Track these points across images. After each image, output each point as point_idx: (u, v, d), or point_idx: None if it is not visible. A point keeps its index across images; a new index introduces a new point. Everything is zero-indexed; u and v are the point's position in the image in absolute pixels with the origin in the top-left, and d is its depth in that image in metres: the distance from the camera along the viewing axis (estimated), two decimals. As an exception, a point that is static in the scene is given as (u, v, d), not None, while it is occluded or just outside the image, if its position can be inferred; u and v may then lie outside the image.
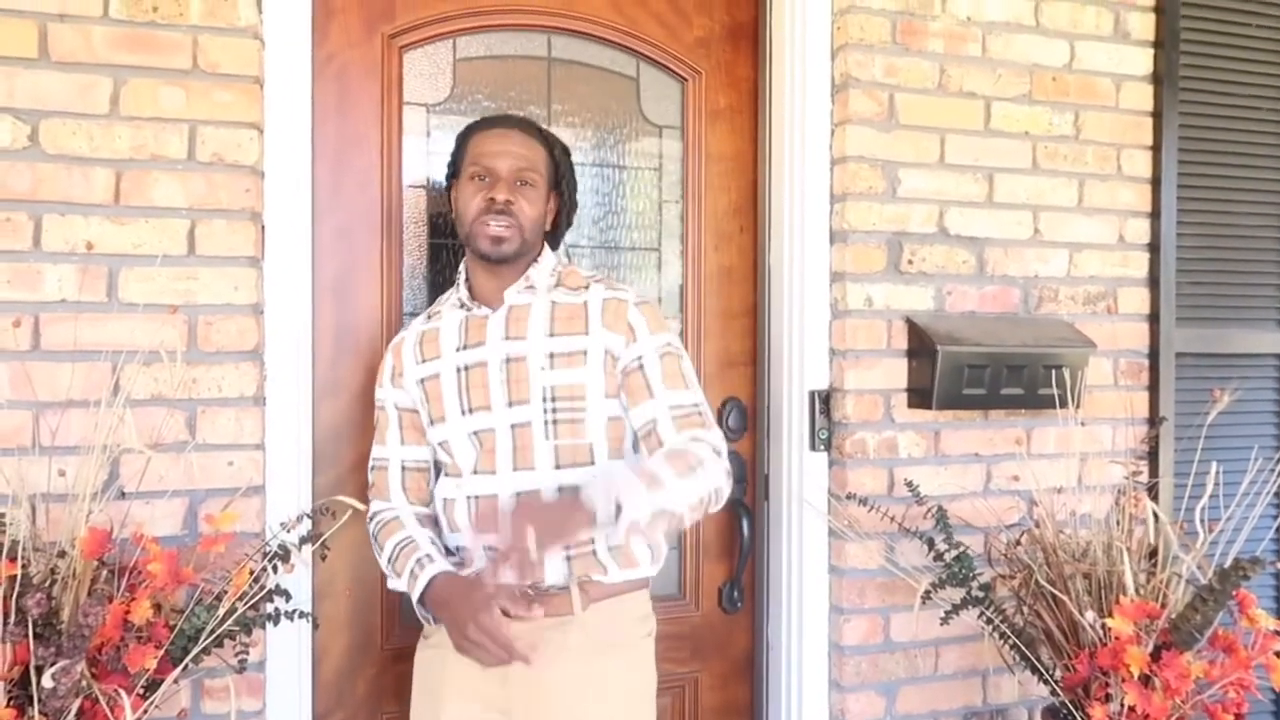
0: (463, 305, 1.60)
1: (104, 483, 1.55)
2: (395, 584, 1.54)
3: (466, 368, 1.55)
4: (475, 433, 1.53)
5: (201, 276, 1.65)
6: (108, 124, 1.61)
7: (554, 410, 1.51)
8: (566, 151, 1.68)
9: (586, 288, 1.59)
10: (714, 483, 1.43)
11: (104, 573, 1.42)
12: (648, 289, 2.11)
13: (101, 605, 1.31)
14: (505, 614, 1.36)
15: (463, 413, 1.54)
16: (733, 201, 2.15)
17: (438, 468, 1.63)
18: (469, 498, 1.52)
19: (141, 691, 1.37)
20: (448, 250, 1.97)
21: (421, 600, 1.49)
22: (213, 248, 1.66)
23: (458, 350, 1.56)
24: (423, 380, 1.58)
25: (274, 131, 1.72)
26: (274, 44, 1.73)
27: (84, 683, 1.30)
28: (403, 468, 1.62)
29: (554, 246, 1.70)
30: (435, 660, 1.53)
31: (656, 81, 2.11)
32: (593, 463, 1.52)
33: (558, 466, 1.50)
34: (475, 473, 1.52)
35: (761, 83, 2.15)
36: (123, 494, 1.60)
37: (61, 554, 1.39)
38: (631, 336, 1.54)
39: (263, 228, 1.71)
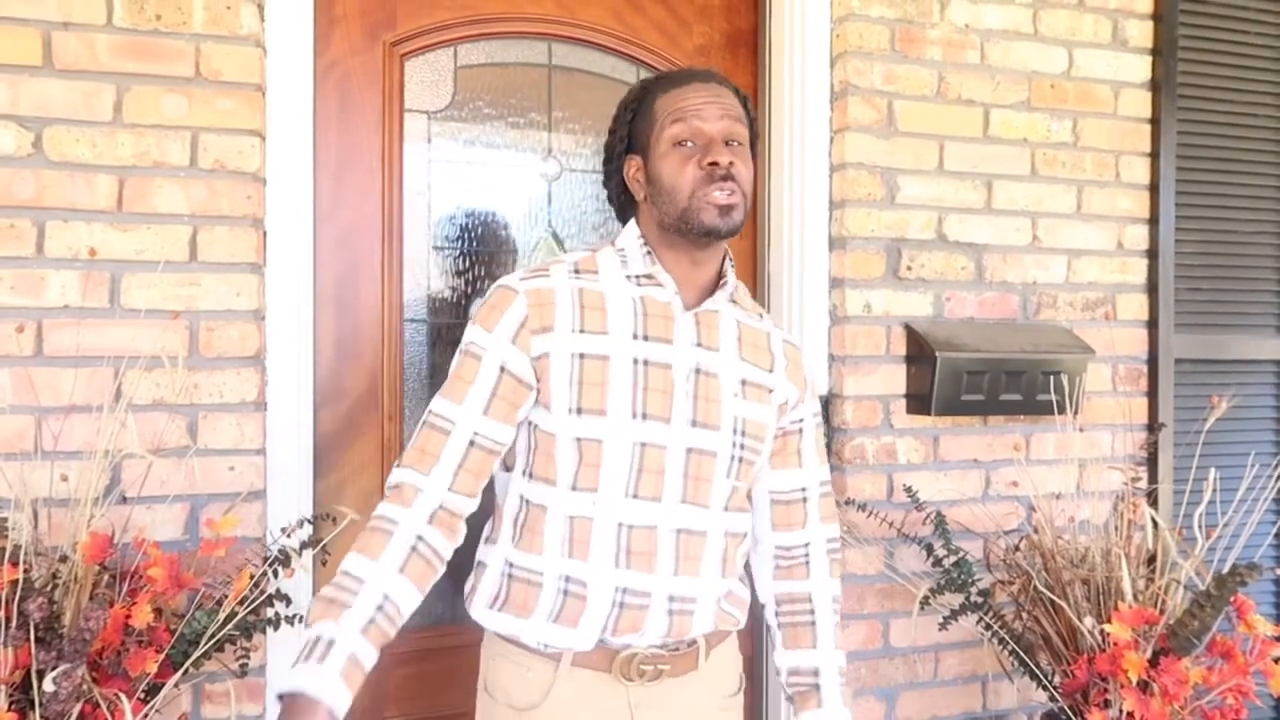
0: (641, 281, 1.31)
1: (106, 487, 1.56)
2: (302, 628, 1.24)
3: (648, 362, 1.27)
4: (644, 445, 1.25)
5: (203, 282, 1.66)
6: (111, 131, 1.63)
7: (741, 446, 1.31)
8: (750, 101, 1.42)
9: (760, 315, 1.42)
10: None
11: (105, 577, 1.43)
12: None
13: (103, 610, 1.31)
14: None
15: (635, 415, 1.25)
16: (732, 208, 2.16)
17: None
18: (622, 526, 1.25)
19: (142, 696, 1.37)
20: (448, 256, 1.98)
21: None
22: (214, 254, 1.67)
23: (635, 338, 1.27)
24: (583, 355, 1.25)
25: (276, 138, 1.73)
26: (276, 52, 1.74)
27: (85, 687, 1.30)
28: (471, 442, 1.24)
29: None
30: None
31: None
32: (747, 511, 1.37)
33: (726, 509, 1.31)
34: (634, 496, 1.25)
35: (761, 90, 2.17)
36: (124, 499, 1.60)
37: (63, 558, 1.39)
38: (802, 395, 1.41)
39: (264, 234, 1.72)
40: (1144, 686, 1.59)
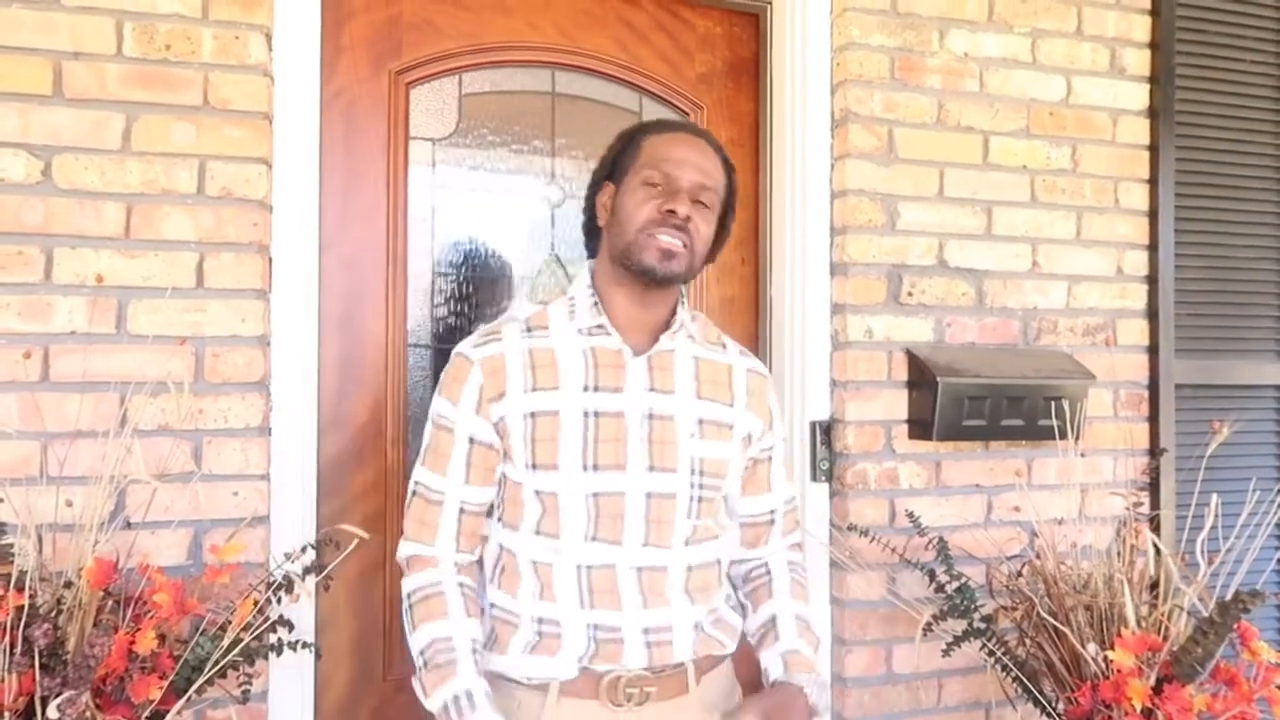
0: (591, 331, 1.36)
1: (110, 513, 1.56)
2: (422, 697, 1.29)
3: (598, 414, 1.32)
4: (596, 495, 1.31)
5: (209, 309, 1.67)
6: (120, 159, 1.64)
7: (701, 485, 1.35)
8: (733, 171, 1.49)
9: (723, 346, 1.46)
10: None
11: (110, 603, 1.43)
12: (650, 320, 2.13)
13: (107, 636, 1.31)
14: None
15: (585, 468, 1.30)
16: (735, 234, 2.15)
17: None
18: (581, 567, 1.31)
19: (145, 723, 1.37)
20: (451, 281, 2.00)
21: None
22: (221, 280, 1.68)
23: (585, 390, 1.32)
24: (534, 415, 1.32)
25: (282, 166, 1.75)
26: (283, 81, 1.76)
27: (89, 714, 1.30)
28: (461, 510, 1.35)
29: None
30: None
31: (659, 116, 2.14)
32: (717, 538, 1.41)
33: (687, 544, 1.35)
34: (593, 539, 1.31)
35: (762, 117, 2.19)
36: (129, 524, 1.61)
37: (68, 584, 1.40)
38: (769, 424, 1.46)
39: (270, 260, 1.74)
40: (1148, 714, 1.58)
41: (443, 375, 1.39)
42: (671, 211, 1.31)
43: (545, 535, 1.33)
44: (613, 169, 1.41)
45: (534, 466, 1.32)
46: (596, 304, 1.37)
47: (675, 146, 1.36)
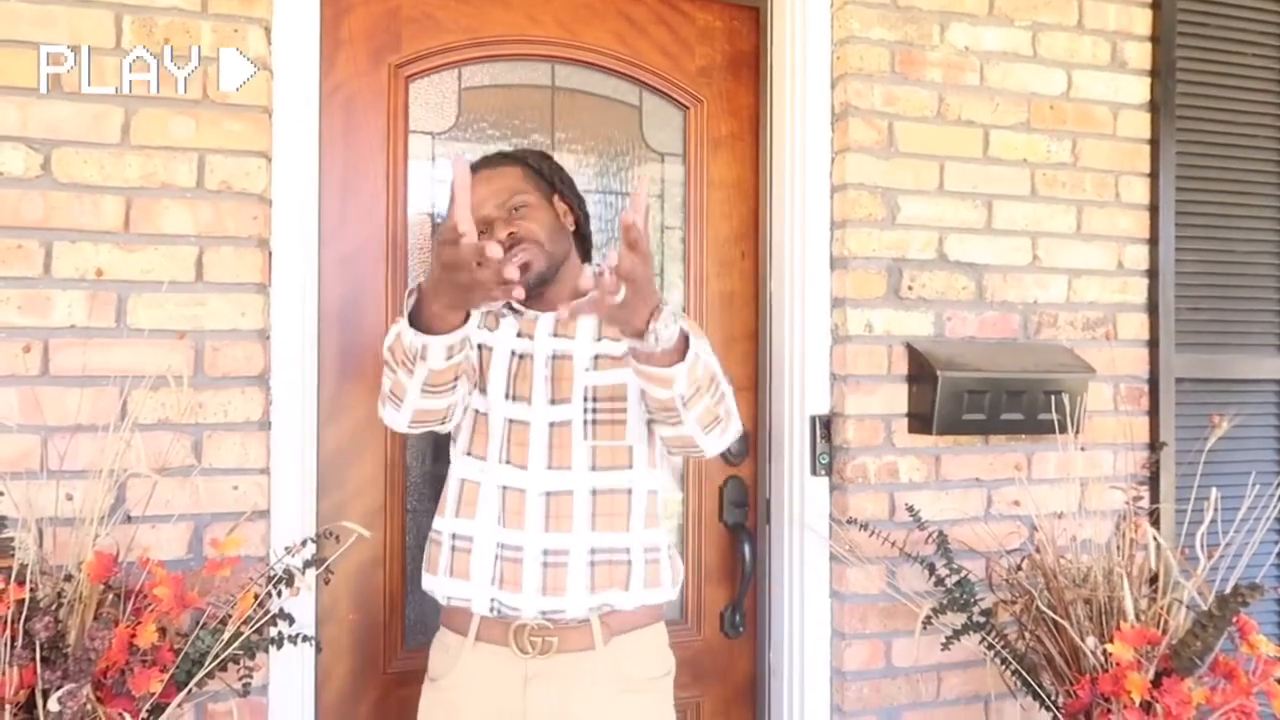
0: (513, 310, 1.58)
1: (111, 507, 1.56)
2: (396, 338, 1.30)
3: (519, 355, 1.53)
4: (510, 420, 1.50)
5: (209, 303, 1.67)
6: (119, 153, 1.64)
7: (594, 410, 1.49)
8: (544, 155, 1.68)
9: None
10: (729, 391, 1.42)
11: (110, 596, 1.43)
12: (650, 314, 2.12)
13: (108, 629, 1.32)
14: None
15: (506, 396, 1.51)
16: (734, 228, 2.17)
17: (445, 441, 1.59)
18: (501, 487, 1.49)
19: (146, 715, 1.37)
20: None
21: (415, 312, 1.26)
22: (220, 274, 1.68)
23: (519, 335, 1.55)
24: (480, 345, 1.55)
25: (281, 160, 1.75)
26: (282, 74, 1.75)
27: (89, 706, 1.31)
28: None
29: (586, 256, 1.70)
30: (443, 706, 1.52)
31: (659, 109, 2.14)
32: (631, 466, 1.51)
33: (594, 468, 1.49)
34: (506, 463, 1.49)
35: (762, 111, 2.18)
36: (129, 518, 1.61)
37: (68, 578, 1.40)
38: None
39: (269, 254, 1.73)
40: (1147, 707, 1.59)
41: None
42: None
43: (474, 458, 1.52)
44: None
45: (480, 389, 1.53)
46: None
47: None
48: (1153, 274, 2.28)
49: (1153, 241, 2.28)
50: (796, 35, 2.09)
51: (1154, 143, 2.28)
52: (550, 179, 1.63)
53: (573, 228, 1.65)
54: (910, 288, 2.07)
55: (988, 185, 2.15)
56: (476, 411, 1.53)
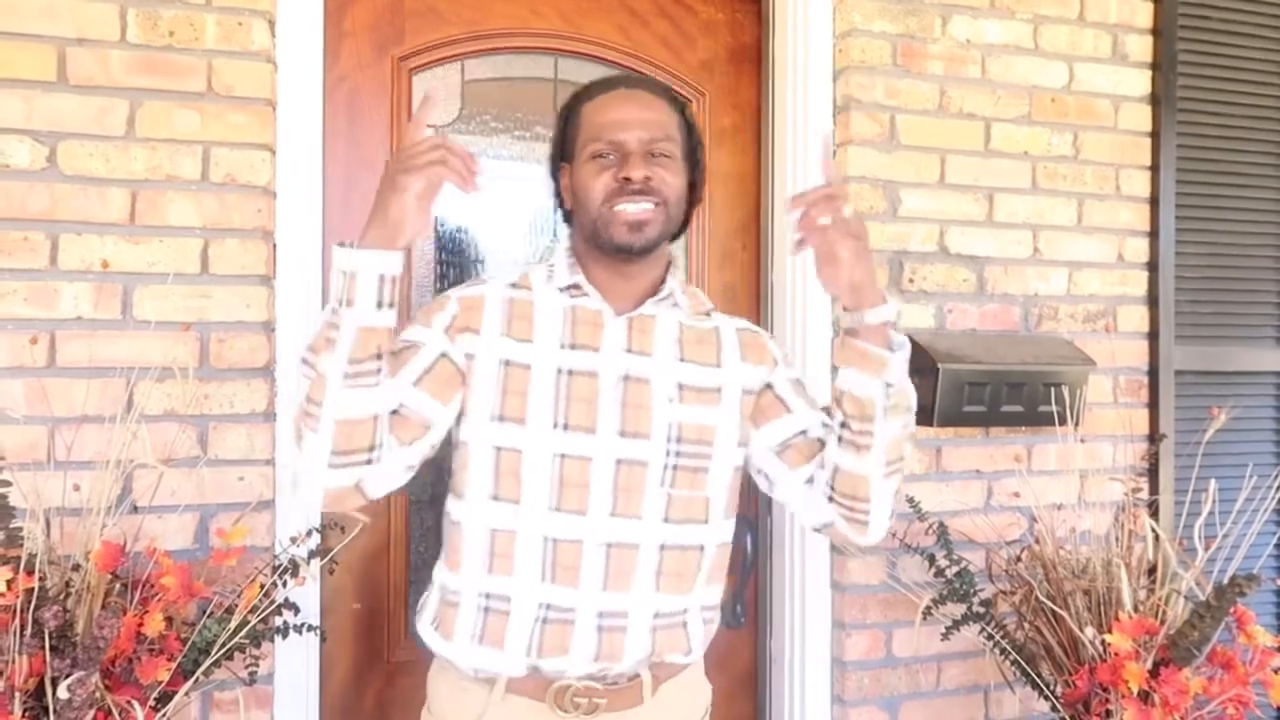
0: (571, 289, 1.29)
1: (118, 497, 1.58)
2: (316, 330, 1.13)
3: (571, 372, 1.24)
4: (564, 456, 1.22)
5: (214, 294, 1.68)
6: (124, 145, 1.65)
7: (678, 454, 1.25)
8: (693, 117, 1.38)
9: (709, 314, 1.36)
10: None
11: (117, 586, 1.44)
12: (652, 307, 2.13)
13: (116, 618, 1.33)
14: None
15: (555, 425, 1.22)
16: (736, 220, 2.18)
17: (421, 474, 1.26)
18: (548, 539, 1.21)
19: (154, 704, 1.39)
20: (455, 269, 2.00)
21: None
22: (225, 266, 1.69)
23: (562, 347, 1.25)
24: (507, 362, 1.23)
25: (286, 152, 1.75)
26: (286, 67, 1.76)
27: (98, 694, 1.32)
28: (393, 411, 1.17)
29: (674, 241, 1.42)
30: None
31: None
32: (706, 521, 1.28)
33: (666, 519, 1.25)
34: (557, 510, 1.21)
35: (764, 104, 2.19)
36: (135, 508, 1.62)
37: (76, 567, 1.41)
38: (772, 370, 1.35)
39: (274, 246, 1.74)
40: (1145, 697, 1.60)
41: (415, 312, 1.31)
42: (627, 179, 1.22)
43: (502, 502, 1.22)
44: (563, 148, 1.33)
45: (501, 418, 1.22)
46: (574, 264, 1.30)
47: (613, 108, 1.27)
48: (1153, 267, 2.28)
49: (1153, 234, 2.29)
50: (798, 28, 2.09)
51: (1155, 136, 2.29)
52: (695, 144, 1.34)
53: (684, 206, 1.35)
54: (911, 280, 2.08)
55: (989, 178, 2.15)
56: (499, 449, 1.23)
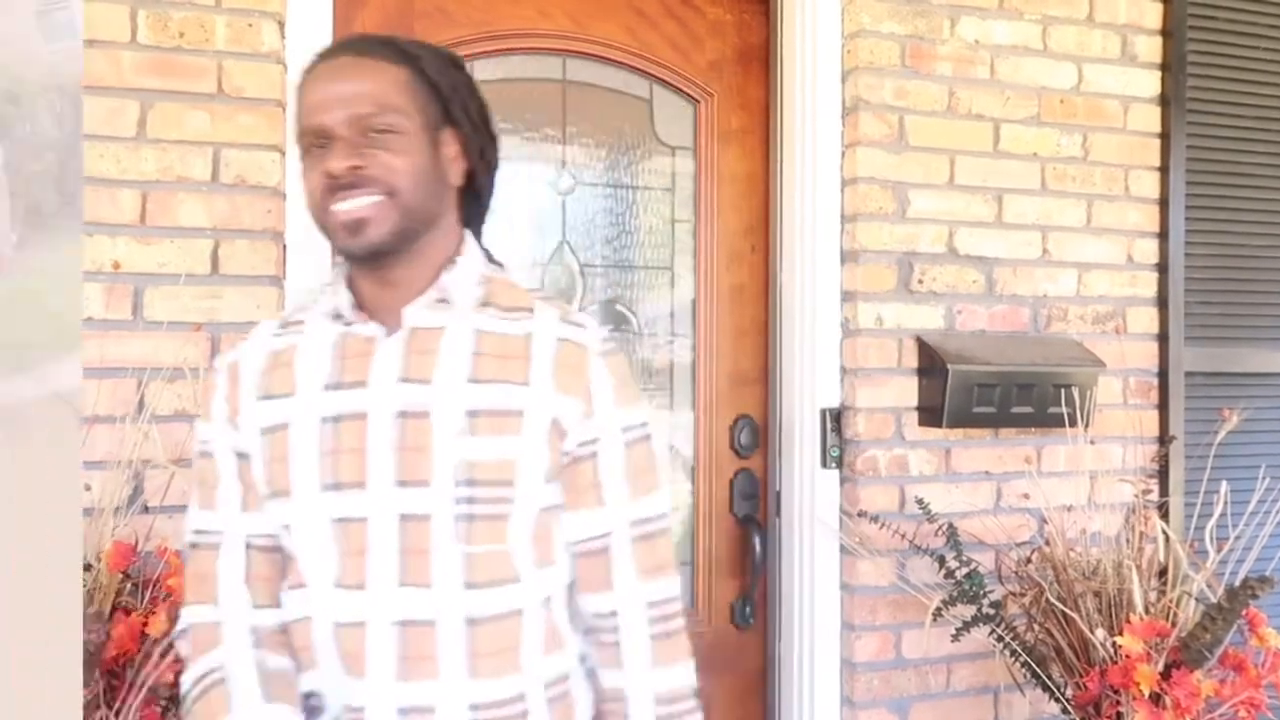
0: (338, 316, 1.08)
1: (129, 497, 1.58)
2: None
3: (337, 419, 1.03)
4: (339, 520, 1.02)
5: (225, 295, 1.69)
6: (135, 146, 1.65)
7: (469, 500, 1.01)
8: (454, 62, 1.13)
9: (530, 311, 1.10)
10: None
11: (129, 585, 1.44)
12: (660, 307, 2.14)
13: (102, 623, 1.32)
14: None
15: (324, 488, 1.02)
16: (744, 221, 2.18)
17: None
18: (336, 625, 1.02)
19: (161, 705, 1.39)
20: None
21: None
22: (235, 267, 1.69)
23: (326, 388, 1.05)
24: (266, 430, 1.06)
25: (296, 154, 1.75)
26: (296, 68, 1.75)
27: (105, 696, 1.32)
28: (248, 546, 1.07)
29: (475, 226, 1.19)
30: None
31: (669, 103, 2.14)
32: (517, 580, 1.04)
33: (469, 586, 1.01)
34: (339, 586, 1.02)
35: (773, 105, 2.19)
36: (146, 508, 1.62)
37: (88, 567, 1.41)
38: (588, 409, 1.07)
39: (284, 247, 1.75)
40: (1156, 699, 1.59)
41: None
42: (328, 173, 1.01)
43: (294, 586, 1.06)
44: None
45: (273, 494, 1.05)
46: (340, 284, 1.10)
47: (315, 87, 1.04)
48: (1162, 268, 2.28)
49: (1163, 235, 2.28)
50: (807, 29, 2.09)
51: (1164, 137, 2.28)
52: (447, 98, 1.08)
53: (460, 181, 1.12)
54: (920, 281, 2.08)
55: (998, 179, 2.15)
56: (284, 528, 1.06)
